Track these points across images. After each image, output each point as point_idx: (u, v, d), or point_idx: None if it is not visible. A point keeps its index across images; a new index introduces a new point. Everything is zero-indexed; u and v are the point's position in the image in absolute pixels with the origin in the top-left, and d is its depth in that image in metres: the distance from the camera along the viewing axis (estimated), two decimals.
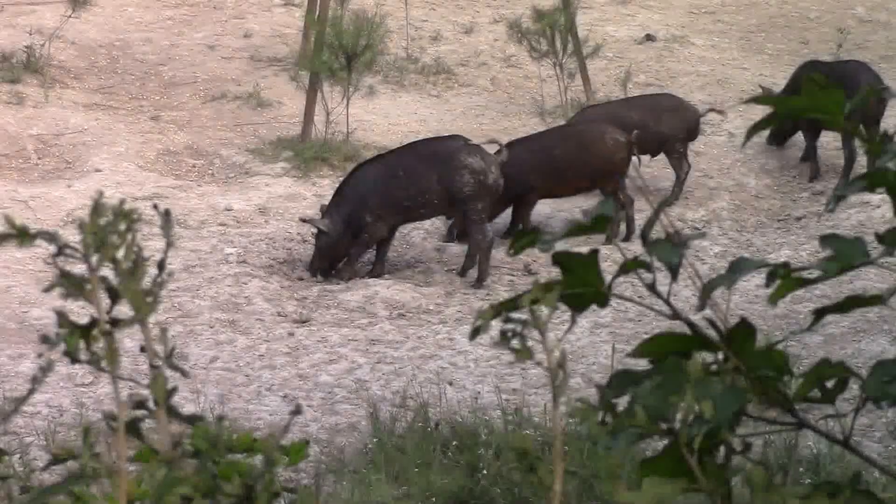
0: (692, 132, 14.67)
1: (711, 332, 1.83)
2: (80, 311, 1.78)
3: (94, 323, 1.71)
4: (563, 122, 15.11)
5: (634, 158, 13.80)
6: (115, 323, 1.72)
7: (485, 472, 8.47)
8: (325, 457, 9.09)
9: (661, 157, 14.68)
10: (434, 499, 8.38)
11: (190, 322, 11.56)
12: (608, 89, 17.06)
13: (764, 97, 1.92)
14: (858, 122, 1.96)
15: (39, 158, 14.90)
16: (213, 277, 12.40)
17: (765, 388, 1.83)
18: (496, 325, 1.76)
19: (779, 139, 15.38)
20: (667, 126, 14.45)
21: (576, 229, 1.85)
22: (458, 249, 13.30)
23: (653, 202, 1.86)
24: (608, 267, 1.74)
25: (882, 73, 15.76)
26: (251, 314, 11.83)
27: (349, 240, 12.77)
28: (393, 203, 12.74)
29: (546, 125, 15.45)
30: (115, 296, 1.72)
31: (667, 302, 1.83)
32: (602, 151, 13.56)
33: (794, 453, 8.55)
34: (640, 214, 13.52)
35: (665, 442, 1.77)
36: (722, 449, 1.77)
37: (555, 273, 1.83)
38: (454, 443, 8.86)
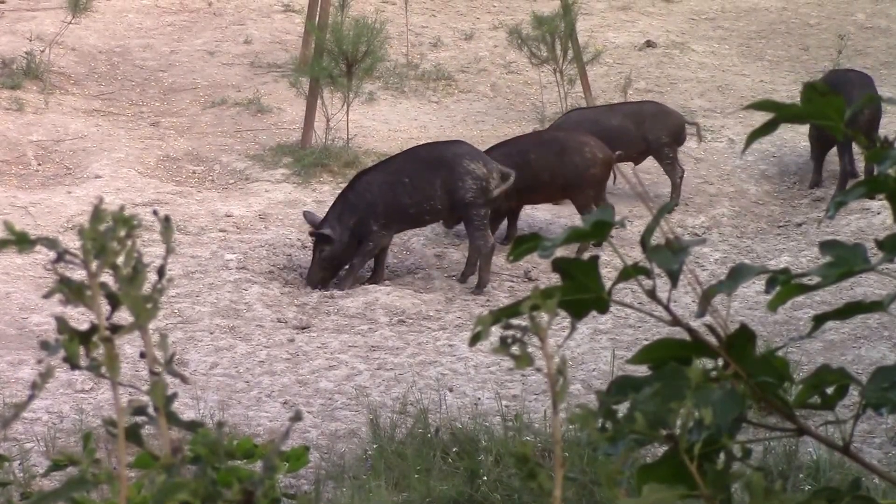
0: (677, 137, 14.58)
1: (711, 339, 1.83)
2: (79, 318, 1.78)
3: (94, 329, 1.71)
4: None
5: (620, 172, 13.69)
6: (115, 329, 1.72)
7: (485, 478, 8.46)
8: (325, 463, 9.09)
9: (657, 164, 14.66)
10: None
11: (190, 328, 11.56)
12: (608, 96, 17.06)
13: (764, 103, 1.92)
14: (864, 130, 1.96)
15: (39, 164, 14.90)
16: (213, 283, 12.40)
17: (765, 395, 1.83)
18: (496, 332, 1.76)
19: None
20: (650, 132, 14.40)
21: (575, 235, 1.85)
22: (458, 255, 13.30)
23: (652, 208, 1.86)
24: (608, 273, 1.74)
25: (882, 80, 15.76)
26: (251, 320, 11.82)
27: (351, 248, 12.72)
28: (399, 210, 12.71)
29: None
30: (115, 302, 1.72)
31: (667, 308, 1.83)
32: (576, 163, 13.40)
33: (794, 459, 8.55)
34: (640, 221, 13.51)
35: (665, 448, 1.77)
36: (722, 455, 1.77)
37: (555, 279, 1.84)
38: (454, 449, 8.86)
